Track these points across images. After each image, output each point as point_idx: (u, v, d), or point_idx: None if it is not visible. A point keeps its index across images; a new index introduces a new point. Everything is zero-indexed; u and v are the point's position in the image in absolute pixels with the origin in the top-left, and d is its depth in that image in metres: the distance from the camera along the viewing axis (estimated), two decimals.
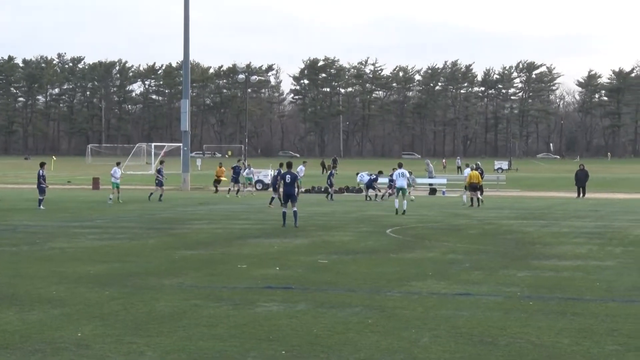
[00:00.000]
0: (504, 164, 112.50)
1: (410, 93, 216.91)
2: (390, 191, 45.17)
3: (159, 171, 45.16)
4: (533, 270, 16.78)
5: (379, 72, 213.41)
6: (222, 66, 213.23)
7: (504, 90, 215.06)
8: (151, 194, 44.20)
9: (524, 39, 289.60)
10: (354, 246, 21.47)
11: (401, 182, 35.05)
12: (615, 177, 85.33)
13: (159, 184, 44.24)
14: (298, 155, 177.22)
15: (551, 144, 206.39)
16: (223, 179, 58.19)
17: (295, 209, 27.34)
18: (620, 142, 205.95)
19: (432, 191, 58.52)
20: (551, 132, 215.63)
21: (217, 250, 20.30)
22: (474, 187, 41.46)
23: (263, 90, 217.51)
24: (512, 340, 10.33)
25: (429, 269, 16.79)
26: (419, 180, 61.11)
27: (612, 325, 11.18)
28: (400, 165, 36.25)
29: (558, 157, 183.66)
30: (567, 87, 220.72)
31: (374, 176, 49.85)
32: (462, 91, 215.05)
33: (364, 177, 50.99)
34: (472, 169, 43.92)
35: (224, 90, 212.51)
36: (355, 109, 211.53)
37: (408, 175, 36.21)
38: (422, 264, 17.67)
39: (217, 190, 55.82)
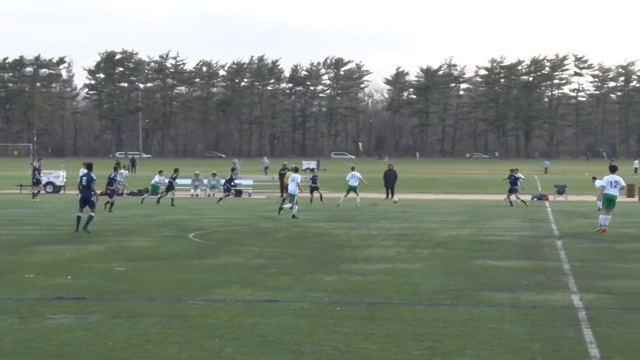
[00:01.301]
0: (312, 164, 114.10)
1: (215, 89, 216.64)
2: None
3: None
4: (341, 275, 17.14)
5: (181, 66, 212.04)
6: (7, 58, 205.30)
7: (312, 87, 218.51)
8: None
9: (332, 34, 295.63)
10: (154, 252, 21.25)
11: (292, 188, 35.57)
12: (424, 177, 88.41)
13: None
14: (222, 155, 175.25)
15: (360, 143, 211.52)
16: None
17: (92, 214, 26.73)
18: (428, 141, 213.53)
19: (238, 193, 58.72)
20: (360, 131, 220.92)
21: (2, 258, 19.59)
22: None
23: (54, 85, 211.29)
24: (318, 347, 10.52)
25: (234, 275, 16.85)
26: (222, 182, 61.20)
27: (419, 330, 11.59)
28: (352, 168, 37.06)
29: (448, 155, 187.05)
30: (376, 84, 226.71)
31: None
32: (268, 88, 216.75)
33: (157, 179, 50.20)
34: (290, 170, 44.84)
35: (10, 85, 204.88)
36: (155, 106, 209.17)
37: (299, 179, 36.49)
38: (227, 270, 17.70)
39: None
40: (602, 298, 14.41)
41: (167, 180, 47.46)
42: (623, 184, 28.55)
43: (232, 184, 49.67)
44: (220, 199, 47.50)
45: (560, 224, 31.96)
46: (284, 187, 43.03)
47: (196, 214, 36.64)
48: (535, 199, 51.94)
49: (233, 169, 52.69)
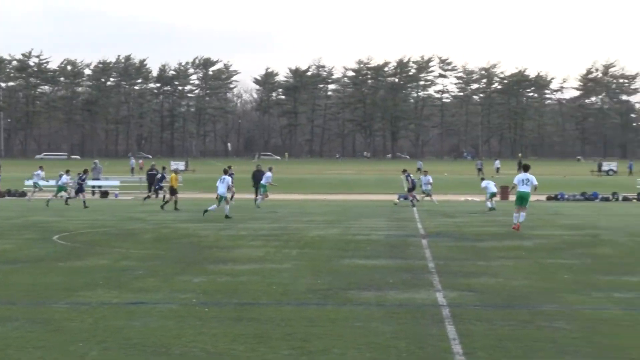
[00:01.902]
0: (181, 165, 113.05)
1: (80, 89, 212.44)
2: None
3: None
4: (209, 275, 17.07)
5: (45, 65, 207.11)
6: None
7: (180, 87, 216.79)
8: None
9: (200, 34, 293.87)
10: (16, 255, 20.73)
11: (222, 189, 35.36)
12: (293, 177, 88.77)
13: None
14: (149, 156, 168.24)
15: (229, 144, 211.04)
16: None
17: None
18: (297, 141, 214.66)
19: (104, 194, 57.80)
20: (229, 131, 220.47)
21: None
22: (172, 191, 41.90)
23: None
24: (186, 349, 10.46)
25: (100, 278, 16.57)
26: (89, 182, 60.14)
27: (287, 329, 11.64)
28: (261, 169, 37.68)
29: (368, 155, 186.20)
30: (245, 85, 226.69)
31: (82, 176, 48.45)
32: (136, 87, 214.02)
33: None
34: (174, 172, 45.18)
35: None
36: (18, 105, 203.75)
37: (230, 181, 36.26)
38: (92, 272, 17.39)
39: None
40: (465, 295, 14.76)
41: (72, 181, 46.28)
42: (535, 182, 29.00)
43: (161, 184, 47.45)
44: (165, 202, 44.65)
45: (425, 223, 32.58)
46: (152, 187, 42.46)
47: (61, 216, 35.88)
48: (401, 199, 52.72)
49: (164, 168, 51.41)
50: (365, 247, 23.25)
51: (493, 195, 42.58)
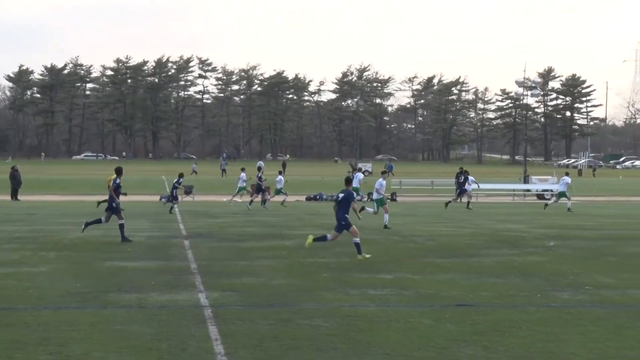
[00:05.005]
0: None
1: None
2: None
3: None
4: None
5: None
6: None
7: None
8: None
9: None
10: None
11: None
12: (50, 178, 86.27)
13: None
14: None
15: None
16: None
17: (120, 221, 25.18)
18: (54, 141, 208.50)
19: None
20: None
21: None
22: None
23: None
24: None
25: None
26: None
27: (44, 334, 11.33)
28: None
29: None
30: None
31: None
32: None
33: None
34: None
35: None
36: None
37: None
38: None
39: None
40: (227, 295, 14.87)
41: None
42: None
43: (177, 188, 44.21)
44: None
45: (187, 224, 32.49)
46: None
47: None
48: (164, 200, 52.31)
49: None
50: (126, 248, 22.94)
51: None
